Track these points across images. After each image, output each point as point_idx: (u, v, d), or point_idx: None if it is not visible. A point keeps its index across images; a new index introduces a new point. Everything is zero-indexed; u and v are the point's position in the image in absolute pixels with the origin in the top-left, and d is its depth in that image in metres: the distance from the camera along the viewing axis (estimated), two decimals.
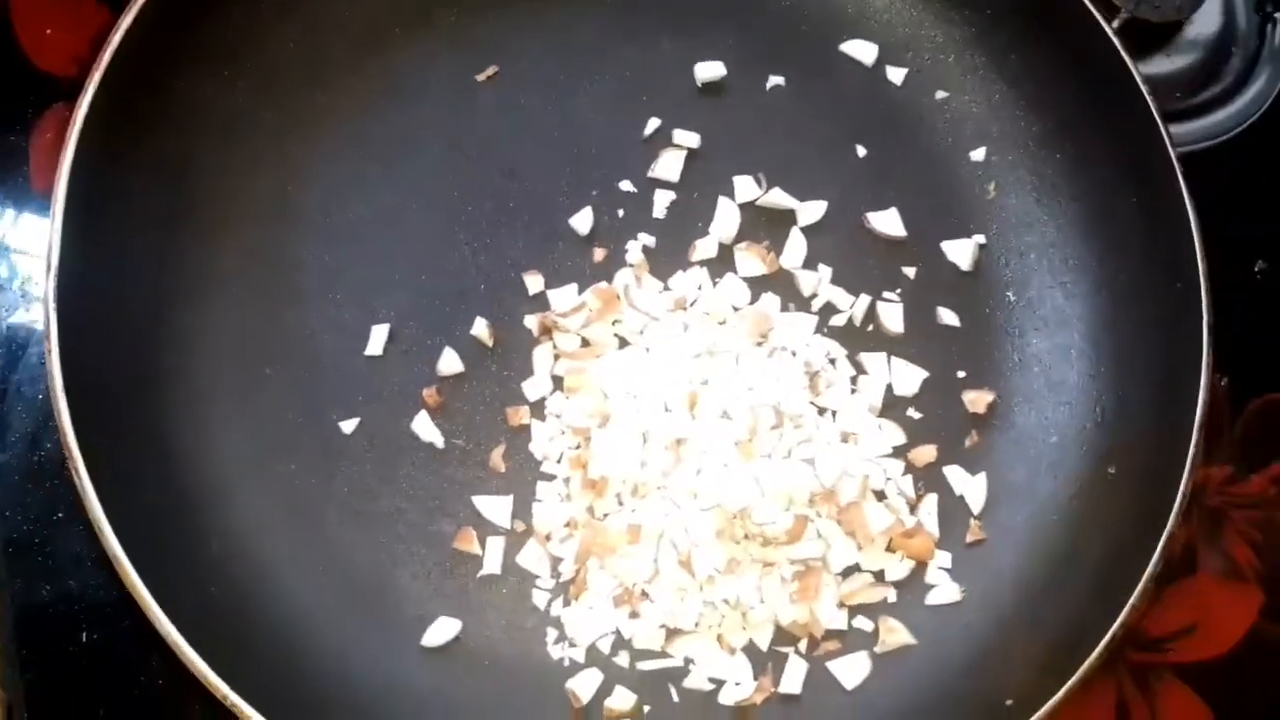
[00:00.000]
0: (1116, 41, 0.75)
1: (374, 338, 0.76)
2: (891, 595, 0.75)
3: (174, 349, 0.73)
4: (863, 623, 0.75)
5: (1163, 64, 0.95)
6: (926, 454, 0.78)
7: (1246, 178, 0.93)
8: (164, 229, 0.73)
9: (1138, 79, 0.75)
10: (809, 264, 0.81)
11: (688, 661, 0.73)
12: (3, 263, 0.81)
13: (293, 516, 0.72)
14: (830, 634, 0.74)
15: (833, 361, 0.79)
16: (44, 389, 0.76)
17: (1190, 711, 0.82)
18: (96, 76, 0.68)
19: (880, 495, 0.76)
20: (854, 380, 0.79)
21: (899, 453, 0.78)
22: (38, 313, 0.78)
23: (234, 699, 0.60)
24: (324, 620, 0.71)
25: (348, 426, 0.75)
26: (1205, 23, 0.97)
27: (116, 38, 0.68)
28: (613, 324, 0.78)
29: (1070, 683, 0.65)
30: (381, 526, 0.74)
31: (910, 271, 0.82)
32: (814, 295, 0.80)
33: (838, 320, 0.80)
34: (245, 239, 0.76)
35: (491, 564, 0.74)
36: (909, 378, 0.79)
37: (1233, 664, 0.84)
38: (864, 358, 0.79)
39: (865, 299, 0.80)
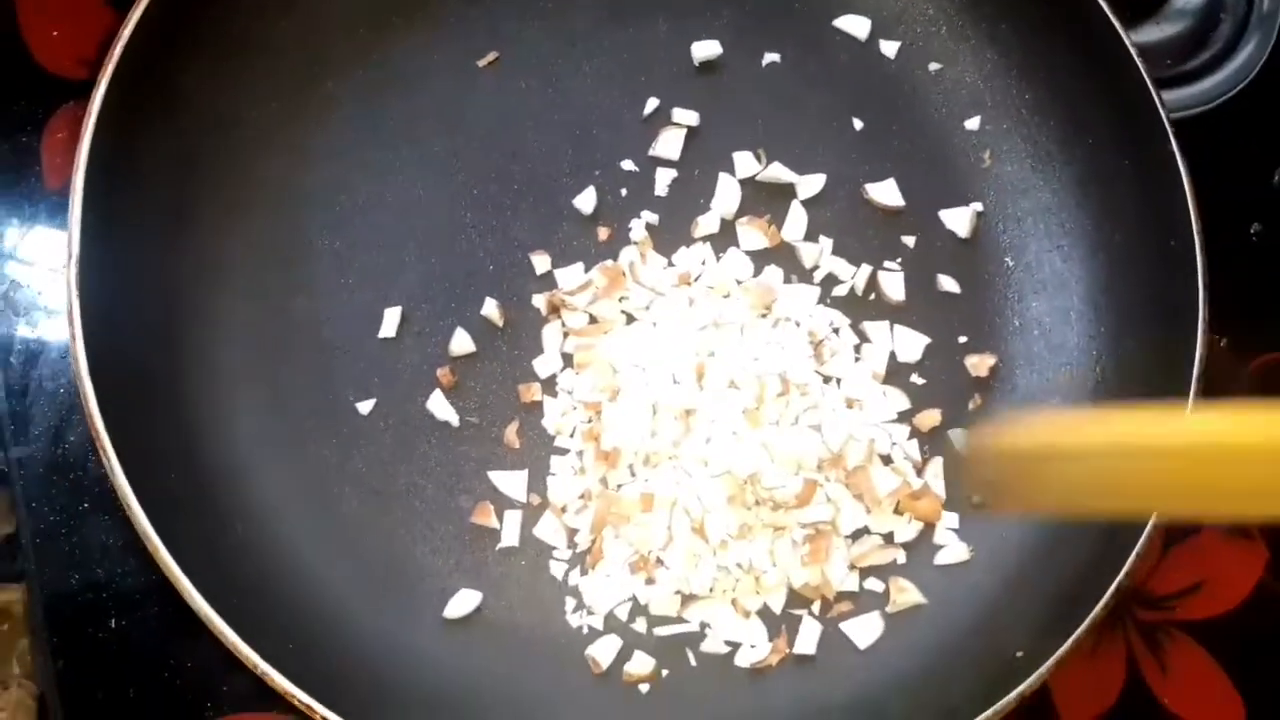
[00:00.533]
0: (1106, 8, 0.76)
1: (387, 320, 0.78)
2: (901, 556, 0.76)
3: (191, 336, 0.73)
4: (874, 584, 0.76)
5: (1153, 31, 0.96)
6: (931, 418, 0.79)
7: (1239, 142, 0.94)
8: (177, 218, 0.74)
9: (1128, 45, 0.76)
10: (810, 236, 0.82)
11: (704, 626, 0.74)
12: (19, 264, 0.82)
13: (313, 496, 0.73)
14: (842, 595, 0.75)
15: (836, 331, 0.80)
16: (65, 384, 0.78)
17: (1199, 667, 0.83)
18: (109, 71, 0.69)
19: (886, 459, 0.78)
20: (857, 349, 0.80)
21: (904, 418, 0.79)
22: (56, 309, 0.80)
23: (265, 667, 0.61)
24: (348, 596, 0.72)
25: (364, 407, 0.76)
26: None
27: (126, 33, 0.69)
28: (619, 300, 0.79)
29: (1077, 633, 0.66)
30: (400, 504, 0.75)
31: (910, 240, 0.83)
32: (816, 267, 0.81)
33: (840, 290, 0.81)
34: (255, 227, 0.77)
35: (509, 537, 0.75)
36: (912, 344, 0.80)
37: (1240, 620, 0.84)
38: (867, 326, 0.80)
39: (866, 269, 0.82)
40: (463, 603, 0.73)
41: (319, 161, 0.80)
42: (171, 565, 0.63)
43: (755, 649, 0.73)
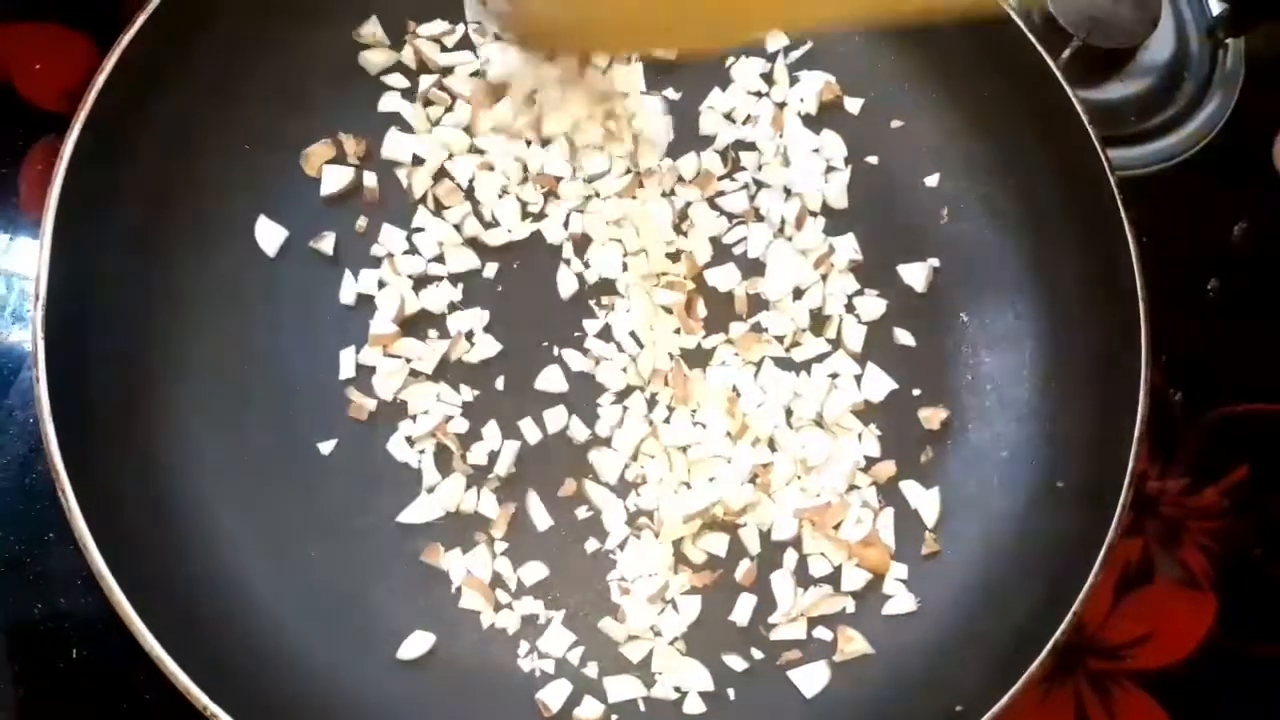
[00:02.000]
0: (1059, 73, 0.78)
1: (344, 362, 0.78)
2: (850, 606, 0.77)
3: (155, 374, 0.74)
4: (822, 633, 0.77)
5: (1117, 89, 0.98)
6: (887, 469, 0.80)
7: (1200, 198, 0.96)
8: (144, 258, 0.75)
9: (1078, 108, 0.77)
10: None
11: (654, 673, 0.75)
12: None
13: (272, 534, 0.74)
14: (790, 644, 0.76)
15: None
16: (35, 415, 0.78)
17: (1148, 717, 0.84)
18: (83, 114, 0.70)
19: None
20: (833, 379, 0.82)
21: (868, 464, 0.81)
22: (27, 340, 0.80)
23: (214, 709, 0.62)
24: (302, 634, 0.72)
25: (325, 448, 0.77)
26: (1158, 49, 1.00)
27: (101, 77, 0.71)
28: None
29: (1016, 687, 0.67)
30: (358, 544, 0.75)
31: (869, 293, 0.84)
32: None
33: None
34: (221, 266, 0.78)
35: (459, 578, 0.75)
36: (878, 384, 0.81)
37: (1189, 670, 0.85)
38: (837, 360, 0.82)
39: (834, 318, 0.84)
40: (416, 644, 0.73)
41: (286, 199, 0.81)
42: (122, 602, 0.64)
43: (703, 697, 0.74)
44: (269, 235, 0.79)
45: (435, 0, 0.85)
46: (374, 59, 0.83)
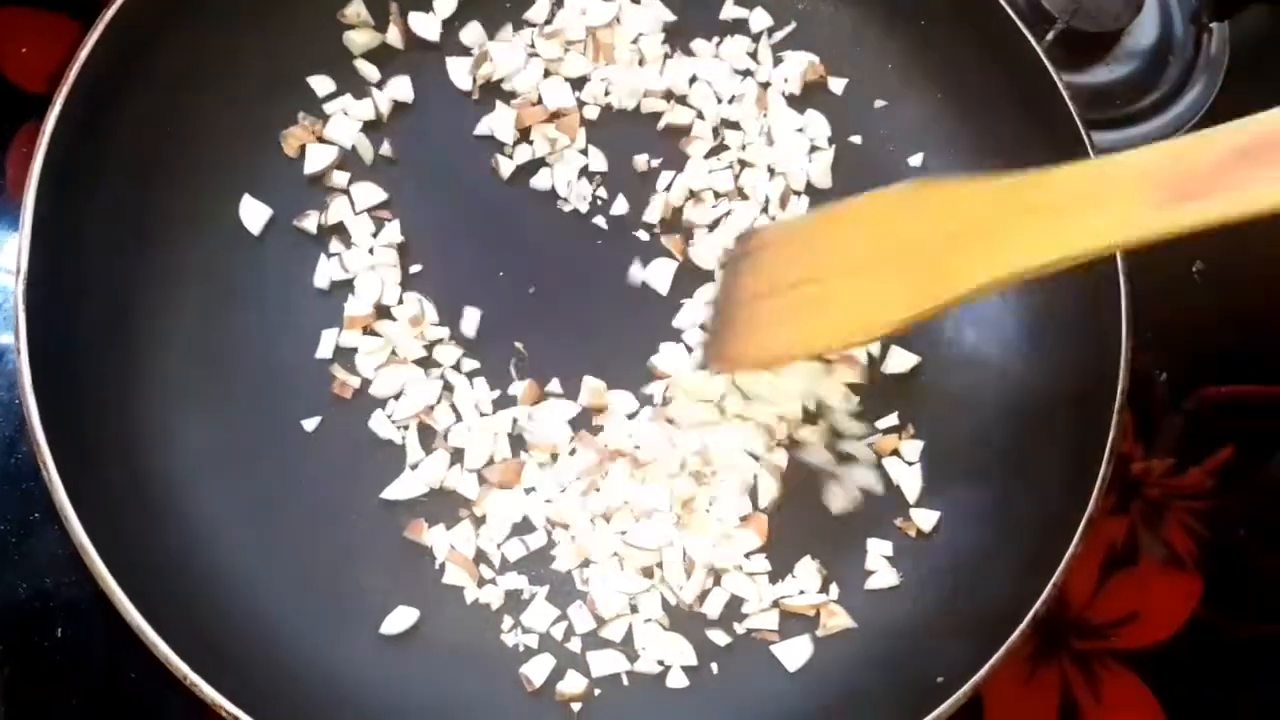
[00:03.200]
0: (1041, 53, 0.78)
1: (324, 341, 0.79)
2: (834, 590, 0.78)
3: (138, 350, 0.74)
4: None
5: (1101, 73, 0.99)
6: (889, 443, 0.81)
7: None
8: (127, 235, 0.75)
9: (1062, 90, 0.77)
10: None
11: (638, 648, 0.75)
12: None
13: (255, 510, 0.74)
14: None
15: None
16: (18, 395, 0.79)
17: (1133, 695, 0.85)
18: (63, 92, 0.70)
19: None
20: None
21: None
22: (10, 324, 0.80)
23: (194, 678, 0.62)
24: (286, 610, 0.72)
25: (309, 425, 0.77)
26: (1142, 33, 1.01)
27: (82, 54, 0.71)
28: None
29: (996, 657, 0.67)
30: (341, 520, 0.75)
31: None
32: None
33: None
34: (205, 244, 0.78)
35: (443, 554, 0.76)
36: (902, 359, 0.82)
37: (1174, 649, 0.86)
38: None
39: None
40: (400, 619, 0.73)
41: (268, 181, 0.81)
42: (105, 574, 0.64)
43: (686, 671, 0.74)
44: (253, 214, 0.79)
45: None
46: (358, 39, 0.83)
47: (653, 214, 0.83)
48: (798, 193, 0.85)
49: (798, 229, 0.77)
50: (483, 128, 0.83)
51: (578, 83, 0.85)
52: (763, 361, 0.75)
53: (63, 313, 0.70)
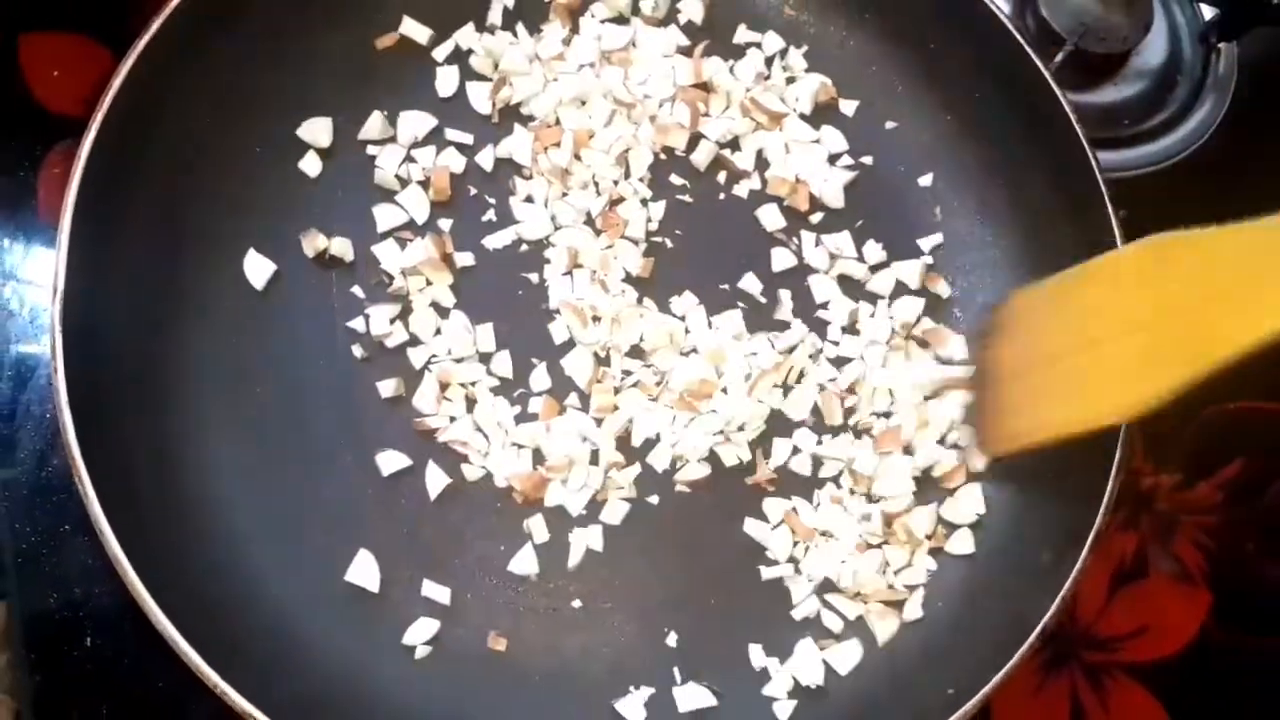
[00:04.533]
0: (1048, 75, 0.78)
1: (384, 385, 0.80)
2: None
3: (171, 369, 0.75)
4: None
5: (1110, 93, 0.99)
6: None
7: (1192, 200, 0.92)
8: (160, 254, 0.76)
9: (1068, 111, 0.78)
10: (768, 289, 0.85)
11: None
12: (13, 292, 0.84)
13: (283, 527, 0.75)
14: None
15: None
16: (51, 409, 0.80)
17: (1142, 708, 0.85)
18: (99, 116, 0.71)
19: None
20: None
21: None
22: (46, 337, 0.80)
23: (224, 687, 0.63)
24: (314, 621, 0.73)
25: (339, 454, 0.78)
26: (1151, 53, 1.01)
27: (117, 81, 0.72)
28: None
29: (1006, 668, 0.68)
30: (366, 536, 0.76)
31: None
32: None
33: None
34: (237, 266, 0.79)
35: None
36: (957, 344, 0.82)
37: (1183, 663, 0.86)
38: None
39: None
40: (421, 630, 0.74)
41: (296, 203, 0.82)
42: (136, 583, 0.64)
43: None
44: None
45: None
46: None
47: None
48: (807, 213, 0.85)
49: (1049, 298, 0.74)
50: (501, 151, 0.84)
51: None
52: (1037, 439, 0.73)
53: (97, 329, 0.71)
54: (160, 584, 0.65)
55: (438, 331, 0.81)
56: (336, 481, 0.77)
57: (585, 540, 0.77)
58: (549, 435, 0.79)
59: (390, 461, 0.78)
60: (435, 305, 0.81)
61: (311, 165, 0.82)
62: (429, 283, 0.81)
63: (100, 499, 0.65)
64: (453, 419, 0.79)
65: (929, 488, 0.80)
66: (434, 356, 0.80)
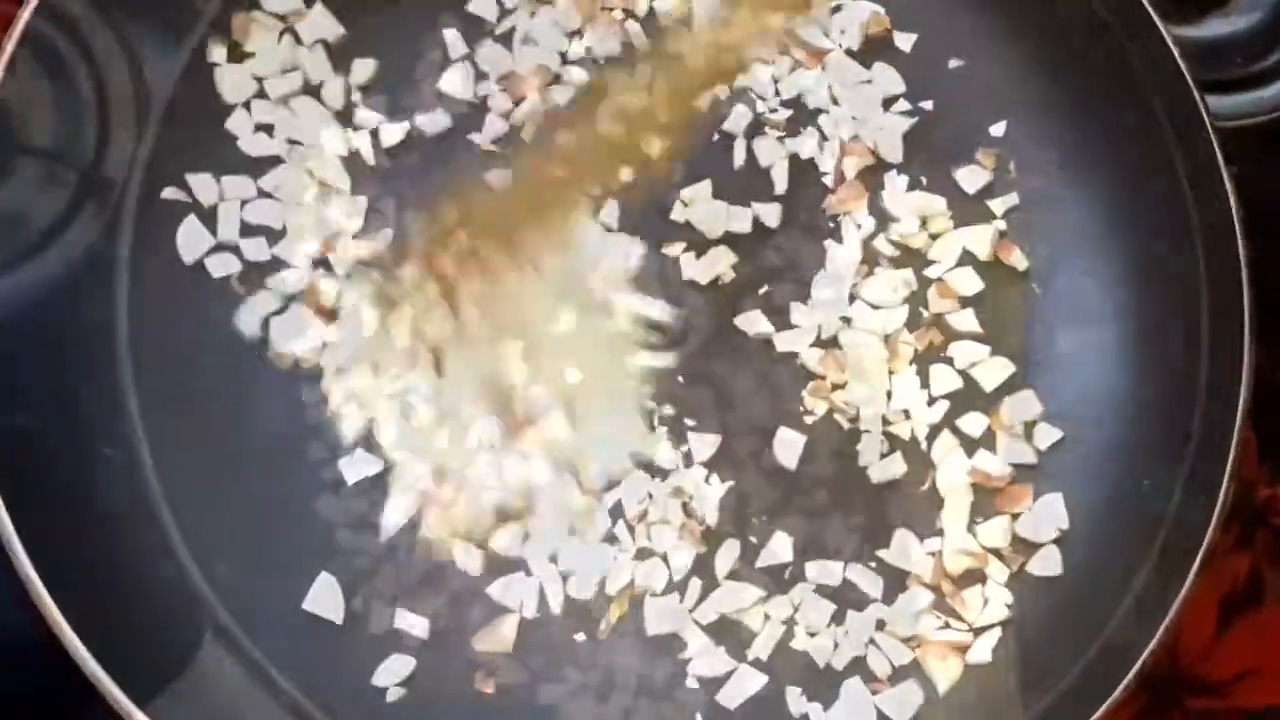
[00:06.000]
0: (1145, 1, 0.72)
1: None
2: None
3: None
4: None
5: (1220, 25, 0.91)
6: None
7: None
8: None
9: (1170, 45, 0.72)
10: None
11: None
12: None
13: (224, 544, 0.70)
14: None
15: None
16: None
17: None
18: None
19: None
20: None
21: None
22: None
23: None
24: (266, 659, 0.68)
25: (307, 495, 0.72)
26: None
27: None
28: None
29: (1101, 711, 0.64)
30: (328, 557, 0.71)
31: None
32: None
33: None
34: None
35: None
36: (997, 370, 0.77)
37: None
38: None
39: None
40: (394, 669, 0.69)
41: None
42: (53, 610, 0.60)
43: None
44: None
45: None
46: None
47: None
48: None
49: None
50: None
51: None
52: None
53: None
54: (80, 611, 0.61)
55: None
56: (291, 491, 0.71)
57: None
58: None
59: (357, 466, 0.71)
60: None
61: None
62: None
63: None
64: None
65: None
66: None
